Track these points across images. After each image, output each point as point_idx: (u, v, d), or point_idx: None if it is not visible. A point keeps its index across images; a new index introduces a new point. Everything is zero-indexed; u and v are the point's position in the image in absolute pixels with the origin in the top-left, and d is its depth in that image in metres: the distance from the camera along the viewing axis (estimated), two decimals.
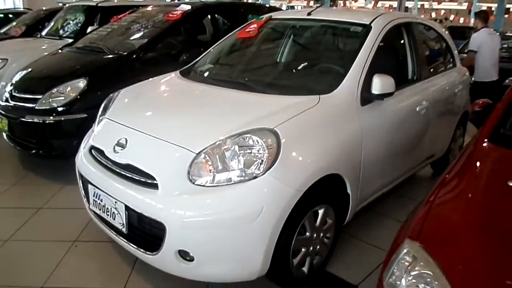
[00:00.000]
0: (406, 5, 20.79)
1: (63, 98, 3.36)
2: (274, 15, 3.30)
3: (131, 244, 2.06)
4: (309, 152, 2.03)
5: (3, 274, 2.36)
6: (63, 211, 3.07)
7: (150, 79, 2.93)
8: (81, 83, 3.40)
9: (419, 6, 26.46)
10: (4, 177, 3.66)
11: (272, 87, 2.56)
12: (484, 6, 23.15)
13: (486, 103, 2.21)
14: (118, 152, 2.11)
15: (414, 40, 3.10)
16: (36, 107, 3.39)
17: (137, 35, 4.16)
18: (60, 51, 4.36)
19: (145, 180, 1.97)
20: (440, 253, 1.28)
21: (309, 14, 3.06)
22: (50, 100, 3.37)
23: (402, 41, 3.02)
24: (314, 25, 3.13)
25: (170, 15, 4.10)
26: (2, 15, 11.19)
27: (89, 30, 5.01)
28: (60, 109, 3.34)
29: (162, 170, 1.95)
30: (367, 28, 2.67)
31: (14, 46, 5.48)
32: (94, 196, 2.22)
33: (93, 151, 2.35)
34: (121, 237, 2.11)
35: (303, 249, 2.14)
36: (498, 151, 1.79)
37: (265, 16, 3.28)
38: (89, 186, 2.25)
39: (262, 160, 1.88)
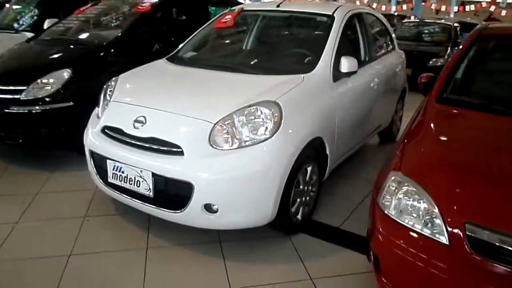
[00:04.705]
0: None
1: (49, 87, 3.49)
2: (245, 7, 3.71)
3: (156, 206, 2.40)
4: (302, 119, 2.50)
5: (25, 249, 2.54)
6: (61, 194, 3.26)
7: (142, 66, 3.21)
8: (66, 74, 3.55)
9: None
10: None
11: (258, 69, 3.00)
12: None
13: (430, 76, 2.82)
14: (138, 128, 2.43)
15: (365, 27, 3.68)
16: (21, 98, 3.49)
17: (109, 27, 4.33)
18: (27, 43, 4.40)
19: (170, 149, 2.32)
20: (419, 177, 1.81)
21: (278, 6, 3.52)
22: (35, 91, 3.49)
23: (357, 29, 3.58)
24: (283, 16, 3.59)
25: (140, 7, 4.32)
26: None
27: (48, 23, 4.98)
28: (46, 99, 3.47)
29: (185, 139, 2.31)
30: (331, 18, 3.19)
31: None
32: (114, 169, 2.51)
33: (106, 130, 2.62)
34: (144, 202, 2.44)
35: (298, 199, 2.61)
36: (443, 108, 2.39)
37: (237, 7, 3.68)
38: (108, 161, 2.53)
39: (268, 127, 2.32)
